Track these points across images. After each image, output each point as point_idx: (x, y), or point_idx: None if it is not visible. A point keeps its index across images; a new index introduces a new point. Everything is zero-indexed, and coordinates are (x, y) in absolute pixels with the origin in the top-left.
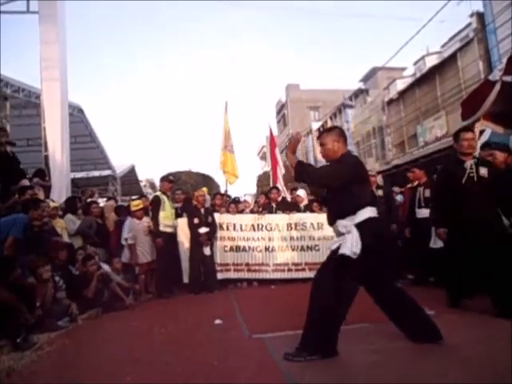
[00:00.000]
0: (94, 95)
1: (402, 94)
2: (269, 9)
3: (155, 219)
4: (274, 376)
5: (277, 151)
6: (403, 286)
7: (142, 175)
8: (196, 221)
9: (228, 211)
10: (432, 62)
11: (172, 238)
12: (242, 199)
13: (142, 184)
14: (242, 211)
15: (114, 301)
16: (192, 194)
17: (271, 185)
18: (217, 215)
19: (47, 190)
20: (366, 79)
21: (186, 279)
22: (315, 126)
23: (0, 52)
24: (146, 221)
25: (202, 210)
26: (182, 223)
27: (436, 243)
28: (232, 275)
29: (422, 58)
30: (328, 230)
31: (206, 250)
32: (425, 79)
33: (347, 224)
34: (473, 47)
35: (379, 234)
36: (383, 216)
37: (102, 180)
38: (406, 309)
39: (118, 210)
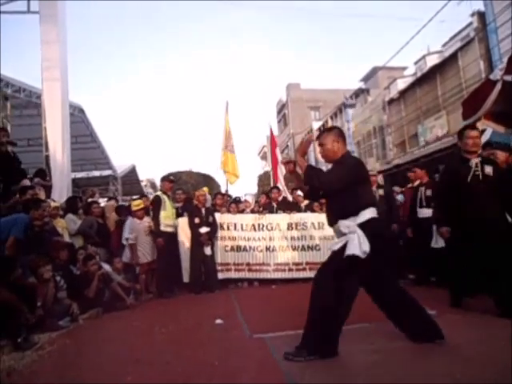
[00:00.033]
0: (95, 95)
1: (403, 93)
2: (269, 9)
3: (156, 219)
4: (274, 376)
5: (277, 151)
6: (404, 286)
7: (143, 175)
8: (197, 220)
9: (229, 211)
10: (433, 61)
11: (173, 237)
12: (242, 199)
13: (142, 184)
14: (242, 211)
15: (114, 300)
16: (193, 193)
17: (272, 185)
18: (217, 215)
19: (48, 189)
20: (366, 79)
21: (185, 279)
22: (316, 125)
23: (0, 52)
24: (147, 221)
25: (203, 210)
26: (183, 223)
27: (437, 243)
28: (233, 275)
29: (423, 57)
30: (329, 230)
31: (207, 250)
32: (425, 79)
33: (350, 224)
34: (474, 46)
35: (380, 234)
36: (384, 216)
37: (103, 180)
38: (408, 309)
39: (119, 210)
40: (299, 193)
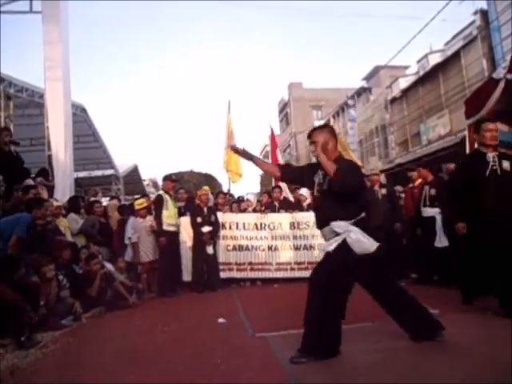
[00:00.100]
0: (98, 95)
1: (405, 92)
2: (268, 9)
3: (158, 218)
4: (277, 375)
5: (278, 151)
6: (406, 285)
7: (145, 174)
8: (199, 220)
9: (231, 210)
10: (435, 60)
11: (175, 236)
12: (245, 198)
13: (144, 183)
14: (244, 210)
15: (117, 299)
16: (195, 193)
17: (273, 184)
18: (220, 214)
19: (50, 189)
20: (368, 78)
21: (186, 277)
22: (318, 124)
23: (0, 51)
24: (149, 220)
25: (205, 209)
26: (185, 222)
27: (441, 242)
28: (235, 274)
29: (426, 56)
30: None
31: (209, 249)
32: (428, 77)
33: (342, 224)
34: (476, 45)
35: (371, 232)
36: (387, 215)
37: (105, 179)
38: (407, 307)
39: (121, 210)
40: (301, 192)
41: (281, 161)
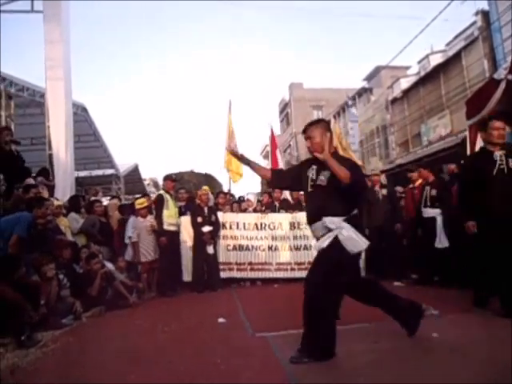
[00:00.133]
0: (98, 95)
1: (406, 92)
2: (269, 9)
3: (159, 218)
4: (277, 375)
5: (277, 152)
6: (406, 286)
7: (146, 174)
8: (199, 219)
9: (232, 210)
10: (436, 60)
11: (176, 236)
12: (245, 198)
13: (145, 183)
14: (245, 210)
15: (117, 299)
16: (195, 193)
17: None
18: (220, 214)
19: (51, 188)
20: (369, 78)
21: (185, 277)
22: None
23: (0, 50)
24: (150, 219)
25: (206, 209)
26: (186, 221)
27: (441, 243)
28: (235, 274)
29: (427, 56)
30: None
31: (210, 249)
32: (429, 78)
33: (336, 220)
34: (477, 45)
35: (362, 229)
36: (388, 215)
37: (106, 179)
38: (381, 299)
39: (122, 209)
40: (302, 192)
41: (280, 161)
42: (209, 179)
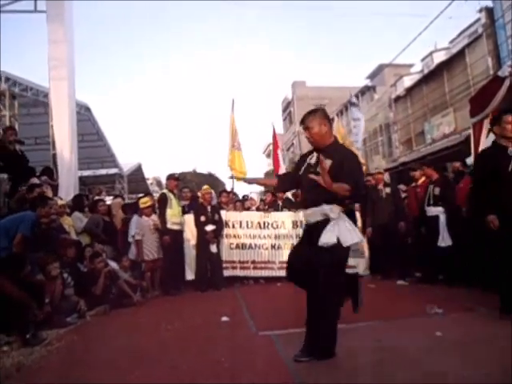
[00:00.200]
0: (102, 95)
1: (410, 90)
2: (272, 8)
3: (162, 216)
4: (280, 373)
5: (279, 152)
6: (410, 284)
7: (149, 173)
8: (202, 218)
9: (235, 209)
10: (440, 58)
11: (179, 235)
12: (249, 197)
13: (148, 182)
14: (248, 209)
15: (121, 298)
16: (198, 191)
17: None
18: (223, 213)
19: (55, 188)
20: (372, 76)
21: (188, 276)
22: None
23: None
24: (153, 218)
25: (209, 208)
26: (189, 220)
27: (444, 241)
28: (238, 273)
29: (430, 54)
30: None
31: (213, 248)
32: (432, 76)
33: (335, 208)
34: (481, 43)
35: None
36: (391, 214)
37: (109, 178)
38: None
39: (126, 208)
40: None
41: (282, 161)
42: (211, 178)
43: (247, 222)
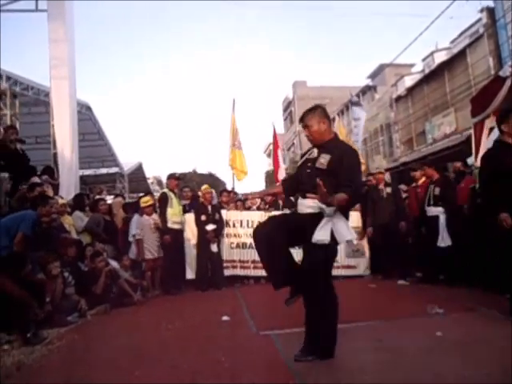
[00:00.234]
0: (102, 95)
1: (411, 90)
2: (272, 8)
3: (163, 216)
4: (281, 373)
5: (279, 153)
6: (411, 284)
7: (150, 172)
8: (203, 218)
9: (236, 208)
10: (441, 58)
11: (180, 234)
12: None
13: (149, 181)
14: (249, 208)
15: (122, 297)
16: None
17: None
18: (224, 212)
19: (55, 187)
20: (373, 76)
21: (189, 275)
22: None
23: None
24: (154, 217)
25: (209, 207)
26: (190, 219)
27: (444, 241)
28: (238, 272)
29: (431, 54)
30: None
31: (213, 247)
32: (433, 75)
33: (332, 209)
34: (483, 43)
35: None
36: (392, 214)
37: (110, 177)
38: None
39: (126, 207)
40: None
41: (282, 161)
42: (212, 178)
43: (248, 221)
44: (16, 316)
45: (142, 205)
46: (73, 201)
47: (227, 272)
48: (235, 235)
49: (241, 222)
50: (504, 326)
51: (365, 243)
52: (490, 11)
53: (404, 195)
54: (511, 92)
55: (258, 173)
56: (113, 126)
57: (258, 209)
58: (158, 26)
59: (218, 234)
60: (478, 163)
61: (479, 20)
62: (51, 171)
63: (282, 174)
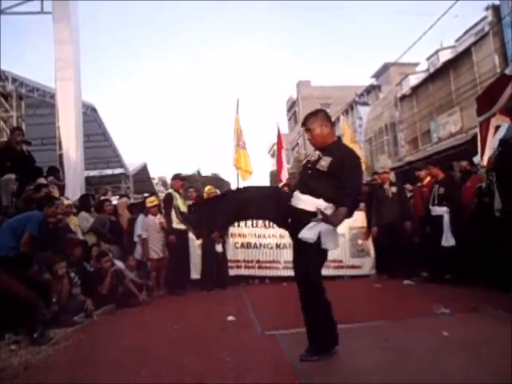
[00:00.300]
0: (108, 96)
1: (415, 89)
2: (276, 8)
3: (168, 216)
4: (286, 373)
5: (283, 153)
6: (417, 284)
7: (154, 173)
8: None
9: None
10: (446, 56)
11: (184, 235)
12: None
13: (154, 182)
14: None
15: (127, 297)
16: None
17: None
18: None
19: (61, 188)
20: (378, 75)
21: (194, 275)
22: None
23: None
24: (159, 218)
25: None
26: None
27: (447, 241)
28: (243, 272)
29: (436, 52)
30: (341, 227)
31: (218, 247)
32: (438, 74)
33: (330, 208)
34: (488, 41)
35: None
36: (398, 213)
37: (115, 178)
38: None
39: (132, 208)
40: None
41: (285, 162)
42: (216, 179)
43: (252, 221)
44: (23, 316)
45: (148, 204)
46: (78, 201)
47: (232, 272)
48: (240, 235)
49: (245, 221)
50: (510, 326)
51: (370, 243)
52: (496, 9)
53: (409, 195)
54: None
55: (262, 173)
56: (118, 127)
57: None
58: (157, 25)
59: (222, 234)
60: (484, 162)
61: (484, 18)
62: (56, 171)
63: (285, 175)
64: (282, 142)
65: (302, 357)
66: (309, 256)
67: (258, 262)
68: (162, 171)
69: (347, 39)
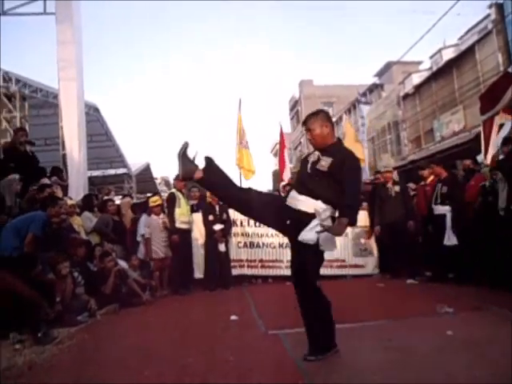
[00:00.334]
0: (111, 96)
1: (418, 88)
2: (279, 8)
3: (171, 216)
4: (290, 372)
5: (285, 152)
6: (420, 283)
7: (157, 173)
8: (211, 218)
9: None
10: (449, 55)
11: (187, 234)
12: None
13: (156, 182)
14: None
15: (130, 297)
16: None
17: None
18: (231, 211)
19: (65, 188)
20: (380, 74)
21: (197, 275)
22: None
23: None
24: (162, 217)
25: (217, 207)
26: (198, 219)
27: (450, 240)
28: (246, 271)
29: (439, 51)
30: None
31: (221, 247)
32: (441, 73)
33: (328, 210)
34: (491, 39)
35: None
36: (401, 212)
37: (118, 178)
38: None
39: (135, 208)
40: None
41: (288, 162)
42: None
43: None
44: (27, 316)
45: (151, 204)
46: (82, 201)
47: (234, 271)
48: (243, 234)
49: (248, 221)
50: None
51: (373, 242)
52: (499, 7)
53: (412, 194)
54: None
55: (265, 172)
56: (121, 127)
57: None
58: (158, 25)
59: (225, 234)
60: (488, 160)
61: (488, 16)
62: (60, 172)
63: (287, 174)
64: (285, 141)
65: (305, 356)
66: (308, 257)
67: (260, 261)
68: (164, 171)
69: (350, 39)
